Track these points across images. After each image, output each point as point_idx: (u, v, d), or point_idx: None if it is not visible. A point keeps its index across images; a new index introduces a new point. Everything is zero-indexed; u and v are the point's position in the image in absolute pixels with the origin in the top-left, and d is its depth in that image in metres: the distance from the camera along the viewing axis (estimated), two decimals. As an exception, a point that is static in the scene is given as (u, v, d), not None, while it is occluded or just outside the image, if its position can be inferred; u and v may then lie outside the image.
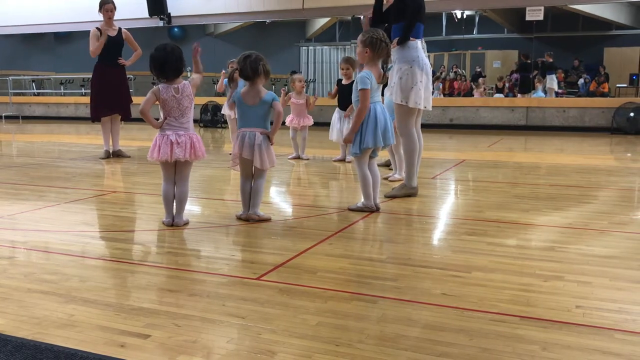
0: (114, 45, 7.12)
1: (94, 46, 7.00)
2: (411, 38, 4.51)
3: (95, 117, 7.27)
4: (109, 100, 7.16)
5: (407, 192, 4.70)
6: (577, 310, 2.30)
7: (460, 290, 2.53)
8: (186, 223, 3.77)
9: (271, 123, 3.81)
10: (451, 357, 1.91)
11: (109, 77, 7.14)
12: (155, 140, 3.64)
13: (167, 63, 3.58)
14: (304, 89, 7.35)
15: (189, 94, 3.66)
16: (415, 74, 4.49)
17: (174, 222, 3.74)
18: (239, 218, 3.89)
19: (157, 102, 3.66)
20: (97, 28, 7.04)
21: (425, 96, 4.58)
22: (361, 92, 3.95)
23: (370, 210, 4.12)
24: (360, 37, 4.04)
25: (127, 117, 7.39)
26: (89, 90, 7.60)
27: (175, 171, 3.73)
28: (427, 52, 4.74)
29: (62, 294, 2.48)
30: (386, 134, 4.04)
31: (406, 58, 4.51)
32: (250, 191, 3.83)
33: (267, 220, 3.85)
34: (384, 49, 4.00)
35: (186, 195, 3.78)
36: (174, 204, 3.76)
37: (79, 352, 1.92)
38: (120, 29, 7.21)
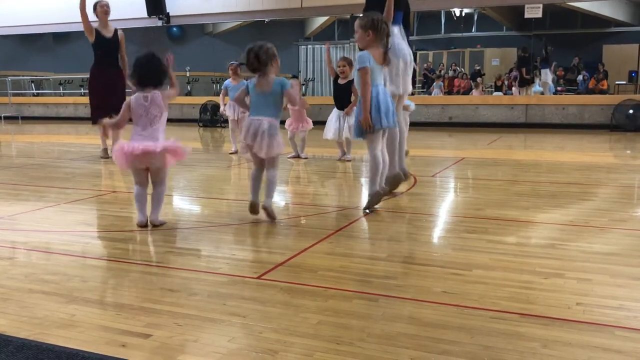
0: (110, 46, 7.07)
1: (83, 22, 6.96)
2: None
3: (95, 119, 7.25)
4: (107, 101, 7.13)
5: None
6: (577, 308, 2.30)
7: (460, 288, 2.53)
8: (162, 223, 3.68)
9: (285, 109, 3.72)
10: (452, 354, 1.91)
11: (105, 78, 7.09)
12: (121, 148, 3.52)
13: (147, 76, 3.57)
14: (301, 92, 7.30)
15: (159, 103, 3.58)
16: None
17: (150, 220, 3.65)
18: (250, 204, 3.83)
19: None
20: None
21: (404, 81, 4.56)
22: (360, 72, 3.94)
23: (377, 197, 4.07)
24: (359, 21, 4.01)
25: None
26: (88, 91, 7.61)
27: (151, 175, 3.66)
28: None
29: (63, 294, 2.48)
30: (388, 115, 4.00)
31: None
32: (260, 180, 3.82)
33: (273, 219, 3.82)
34: (384, 30, 3.99)
35: (163, 196, 3.70)
36: (149, 203, 3.68)
37: (80, 352, 1.92)
38: (116, 30, 7.18)
